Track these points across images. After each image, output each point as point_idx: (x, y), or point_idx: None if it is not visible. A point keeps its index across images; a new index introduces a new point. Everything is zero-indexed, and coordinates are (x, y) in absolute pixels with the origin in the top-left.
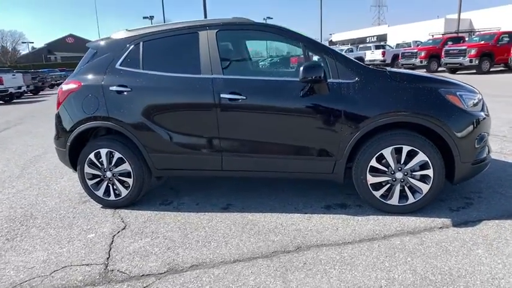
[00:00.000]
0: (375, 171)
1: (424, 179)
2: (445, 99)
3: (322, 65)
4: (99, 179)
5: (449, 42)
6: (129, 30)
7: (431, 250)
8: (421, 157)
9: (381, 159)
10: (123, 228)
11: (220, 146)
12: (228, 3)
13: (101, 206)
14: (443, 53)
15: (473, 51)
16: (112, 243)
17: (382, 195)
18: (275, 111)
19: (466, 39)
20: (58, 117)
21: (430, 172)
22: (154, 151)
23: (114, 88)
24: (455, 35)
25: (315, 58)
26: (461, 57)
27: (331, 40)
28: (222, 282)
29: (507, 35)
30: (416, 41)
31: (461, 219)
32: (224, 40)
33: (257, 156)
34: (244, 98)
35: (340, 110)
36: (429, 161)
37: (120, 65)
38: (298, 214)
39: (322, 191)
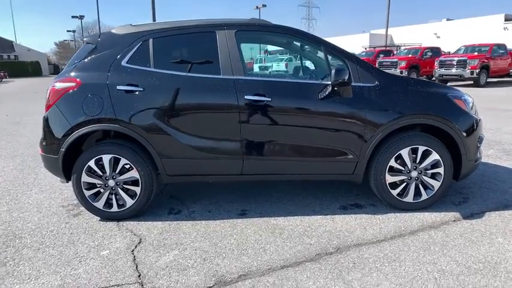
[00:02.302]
0: (393, 170)
1: (435, 176)
2: (454, 103)
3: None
4: (98, 188)
5: (381, 55)
6: (134, 26)
7: (459, 241)
8: (434, 156)
9: (398, 159)
10: (139, 242)
11: (241, 149)
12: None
13: (99, 219)
14: (377, 65)
15: (403, 64)
16: (135, 259)
17: (398, 194)
18: (300, 113)
19: (395, 52)
20: (48, 120)
21: (441, 170)
22: (168, 156)
23: (122, 87)
24: (384, 48)
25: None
26: (393, 69)
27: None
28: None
29: (430, 50)
30: None
31: (467, 212)
32: (242, 41)
33: (280, 159)
34: (269, 99)
35: (364, 112)
36: (441, 160)
37: (128, 62)
38: (320, 216)
39: (331, 193)
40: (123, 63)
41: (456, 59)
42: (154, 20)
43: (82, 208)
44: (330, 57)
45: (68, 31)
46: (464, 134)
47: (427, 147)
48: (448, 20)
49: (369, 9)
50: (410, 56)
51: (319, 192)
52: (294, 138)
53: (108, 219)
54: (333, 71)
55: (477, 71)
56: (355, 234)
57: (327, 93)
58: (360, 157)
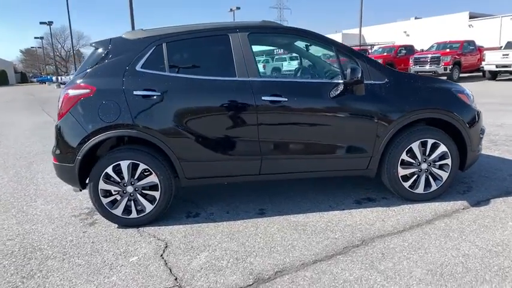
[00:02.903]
0: (404, 164)
1: (443, 167)
2: (458, 97)
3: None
4: (116, 195)
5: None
6: (145, 30)
7: (474, 227)
8: (442, 148)
9: (408, 152)
10: (166, 247)
11: (259, 149)
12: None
13: (117, 226)
14: None
15: (379, 62)
16: (167, 263)
17: (409, 186)
18: (315, 112)
19: (369, 51)
20: (62, 129)
21: (448, 161)
22: (187, 159)
23: (139, 92)
24: (358, 47)
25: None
26: None
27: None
28: (322, 282)
29: (404, 48)
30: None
31: (474, 200)
32: (255, 43)
33: (297, 158)
34: (286, 99)
35: (376, 108)
36: (448, 152)
37: (142, 67)
38: (337, 211)
39: (342, 189)
40: (138, 68)
41: (430, 56)
42: (133, 25)
43: (96, 217)
44: (341, 57)
45: (35, 38)
46: (469, 126)
47: (435, 140)
48: (416, 18)
49: (339, 9)
50: (385, 54)
51: (329, 188)
52: (311, 137)
53: (127, 226)
54: (349, 70)
55: (450, 67)
56: (375, 226)
57: (341, 91)
58: (374, 152)
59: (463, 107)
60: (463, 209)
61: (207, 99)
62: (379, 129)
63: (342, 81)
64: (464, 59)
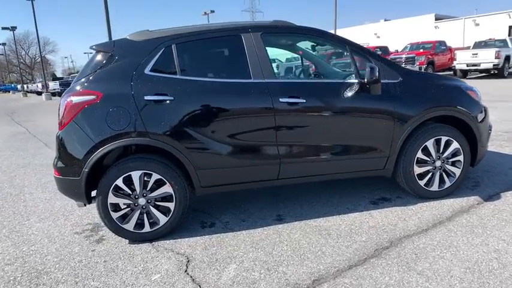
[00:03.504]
0: (419, 162)
1: (455, 164)
2: (467, 94)
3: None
4: (127, 209)
5: (334, 57)
6: (152, 32)
7: (495, 222)
8: (455, 145)
9: (423, 150)
10: (188, 261)
11: (278, 153)
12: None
13: (128, 242)
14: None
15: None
16: (194, 279)
17: (425, 184)
18: (334, 113)
19: (345, 53)
20: (65, 139)
21: (461, 158)
22: (203, 167)
23: (150, 97)
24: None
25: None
26: (347, 69)
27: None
28: (365, 286)
29: (379, 49)
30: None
31: (485, 195)
32: (268, 43)
33: (316, 161)
34: (304, 101)
35: (393, 107)
36: (460, 148)
37: (151, 70)
38: (356, 213)
39: (355, 189)
40: (147, 71)
41: (404, 56)
42: (109, 30)
43: (101, 232)
44: (355, 56)
45: None
46: (479, 122)
47: (448, 137)
48: (385, 20)
49: (311, 11)
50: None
51: (341, 190)
52: (329, 138)
53: (139, 241)
54: (368, 69)
55: (424, 66)
56: (399, 226)
57: (358, 91)
58: (391, 152)
59: (473, 103)
60: (478, 204)
61: (223, 102)
62: (395, 128)
63: (358, 80)
64: (437, 59)
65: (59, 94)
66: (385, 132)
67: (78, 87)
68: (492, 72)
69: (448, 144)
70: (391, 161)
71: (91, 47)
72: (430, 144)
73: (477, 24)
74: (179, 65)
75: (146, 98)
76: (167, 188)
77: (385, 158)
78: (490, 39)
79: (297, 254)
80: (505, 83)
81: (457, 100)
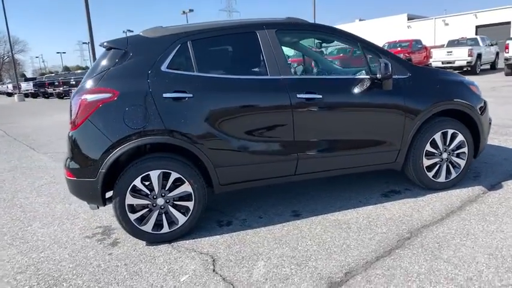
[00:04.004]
0: (428, 154)
1: (460, 156)
2: (470, 88)
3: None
4: (145, 210)
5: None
6: (166, 28)
7: (504, 209)
8: (460, 138)
9: (431, 143)
10: (214, 260)
11: (295, 149)
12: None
13: (146, 243)
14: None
15: (336, 62)
16: (225, 278)
17: (433, 175)
18: (349, 108)
19: (325, 52)
20: (80, 139)
21: (465, 149)
22: (222, 165)
23: (169, 95)
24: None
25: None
26: None
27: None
28: (398, 277)
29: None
30: None
31: (488, 185)
32: (282, 40)
33: (332, 155)
34: (320, 97)
35: (403, 102)
36: (465, 140)
37: (168, 67)
38: (370, 206)
39: (363, 183)
40: (163, 68)
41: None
42: (90, 31)
43: (114, 235)
44: (366, 53)
45: None
46: (481, 115)
47: (454, 130)
48: (360, 20)
49: (287, 11)
50: (341, 55)
51: (350, 184)
52: (345, 133)
53: (157, 242)
54: (382, 65)
55: None
56: (414, 217)
57: (371, 87)
58: (402, 145)
59: (476, 97)
60: (483, 193)
61: (242, 99)
62: (406, 122)
63: (370, 76)
64: (414, 57)
65: (33, 95)
66: (397, 126)
67: (91, 85)
68: (465, 69)
69: (453, 136)
70: (401, 154)
71: (101, 44)
72: (437, 137)
73: (447, 24)
74: (196, 62)
75: (165, 95)
76: (186, 187)
77: (397, 151)
78: (462, 38)
79: (322, 248)
80: (477, 79)
81: (462, 94)
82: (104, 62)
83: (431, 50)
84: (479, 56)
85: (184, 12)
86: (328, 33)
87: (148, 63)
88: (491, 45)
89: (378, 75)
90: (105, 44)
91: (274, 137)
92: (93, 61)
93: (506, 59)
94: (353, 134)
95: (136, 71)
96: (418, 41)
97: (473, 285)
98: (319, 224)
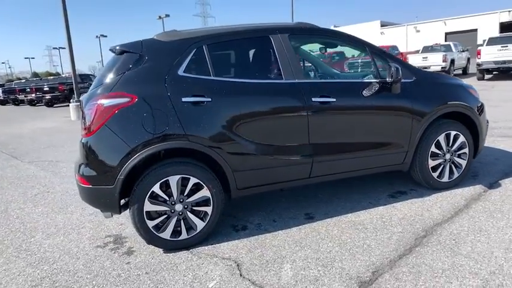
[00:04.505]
0: (433, 155)
1: (461, 156)
2: (469, 91)
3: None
4: (164, 217)
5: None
6: (181, 32)
7: (508, 206)
8: (462, 139)
9: (435, 144)
10: (238, 265)
11: (310, 152)
12: None
13: (163, 251)
14: None
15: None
16: (254, 282)
17: (437, 176)
18: (361, 111)
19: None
20: (96, 145)
21: (466, 150)
22: (240, 169)
23: (188, 99)
24: None
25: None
26: None
27: None
28: (424, 274)
29: (336, 54)
30: None
31: (487, 184)
32: (295, 44)
33: (346, 158)
34: (334, 100)
35: (410, 105)
36: (466, 141)
37: (184, 71)
38: (381, 207)
39: (369, 185)
40: (180, 72)
41: (360, 60)
42: (69, 35)
43: (127, 244)
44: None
45: None
46: (480, 117)
47: (456, 132)
48: (335, 26)
49: (263, 17)
50: (321, 59)
51: (357, 187)
52: (357, 136)
53: (175, 249)
54: (394, 69)
55: (381, 69)
56: (425, 216)
57: (380, 90)
58: (409, 146)
59: (475, 100)
60: (484, 192)
61: (259, 103)
62: (413, 124)
63: (383, 80)
64: None
65: (1, 102)
66: (405, 128)
67: (106, 90)
68: None
69: (456, 138)
70: (409, 156)
71: (112, 49)
72: (441, 138)
73: (418, 31)
74: (212, 66)
75: (184, 99)
76: (205, 192)
77: (404, 152)
78: (436, 44)
79: (344, 249)
80: None
81: (463, 97)
82: (117, 67)
83: (408, 55)
84: (452, 61)
85: (160, 17)
86: (337, 38)
87: (164, 67)
88: (463, 51)
89: (388, 79)
90: (117, 48)
91: (290, 140)
92: (72, 66)
93: (478, 64)
94: (365, 136)
95: (153, 75)
96: (395, 47)
97: (497, 278)
98: (335, 226)
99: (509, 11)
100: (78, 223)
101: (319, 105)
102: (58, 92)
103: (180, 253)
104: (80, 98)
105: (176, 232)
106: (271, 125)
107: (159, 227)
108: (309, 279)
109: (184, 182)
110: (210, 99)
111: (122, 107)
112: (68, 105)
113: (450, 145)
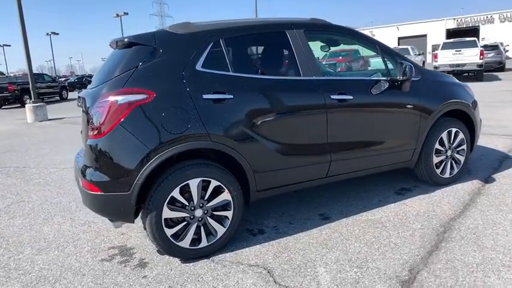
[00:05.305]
0: (436, 152)
1: (460, 152)
2: (466, 90)
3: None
4: (183, 224)
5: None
6: (194, 24)
7: (510, 199)
8: (461, 136)
9: (439, 141)
10: (269, 271)
11: (329, 150)
12: None
13: (181, 261)
14: None
15: None
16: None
17: (440, 172)
18: (374, 109)
19: None
20: (109, 147)
21: (465, 146)
22: (261, 170)
23: (210, 96)
24: None
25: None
26: None
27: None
28: (459, 269)
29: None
30: None
31: (483, 178)
32: (309, 40)
33: (361, 156)
34: (351, 97)
35: (418, 103)
36: (464, 138)
37: (203, 66)
38: (392, 204)
39: (373, 183)
40: (198, 67)
41: (324, 63)
42: (24, 31)
43: (137, 256)
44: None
45: None
46: (475, 113)
47: (457, 129)
48: None
49: (222, 16)
50: None
51: (361, 185)
52: (372, 133)
53: (194, 259)
54: (407, 68)
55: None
56: (437, 212)
57: (392, 88)
58: (417, 144)
59: (471, 98)
60: (482, 186)
61: (280, 101)
62: (421, 122)
63: (394, 78)
64: (354, 65)
65: None
66: (414, 125)
67: (118, 86)
68: None
69: (456, 135)
70: (416, 153)
71: (119, 40)
72: (444, 135)
73: (373, 35)
74: (230, 61)
75: (205, 96)
76: (226, 196)
77: (412, 150)
78: (395, 47)
79: (373, 248)
80: None
81: (462, 95)
82: (127, 60)
83: (369, 59)
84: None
85: (118, 15)
86: (349, 35)
87: (181, 61)
88: (419, 54)
89: (399, 77)
90: (126, 40)
91: (310, 139)
92: (28, 64)
93: (436, 67)
94: (378, 134)
95: (170, 70)
96: (356, 51)
97: None
98: (354, 226)
99: (454, 19)
100: (71, 235)
101: (337, 102)
102: (7, 92)
103: (200, 262)
104: (79, 95)
105: (195, 240)
106: (292, 123)
107: (178, 235)
108: (349, 282)
109: (204, 186)
110: (231, 97)
111: (138, 104)
112: (20, 107)
113: (451, 142)
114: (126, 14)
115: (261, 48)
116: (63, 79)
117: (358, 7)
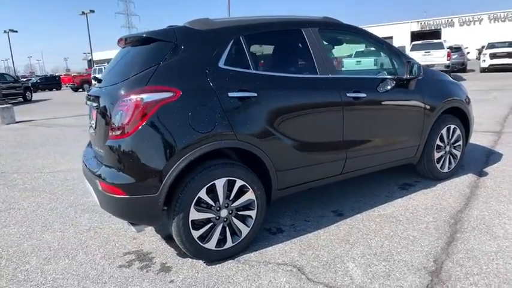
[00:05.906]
0: (437, 148)
1: (456, 148)
2: (461, 87)
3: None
4: (209, 225)
5: None
6: (214, 20)
7: (507, 191)
8: (458, 132)
9: (440, 138)
10: (299, 269)
11: (345, 147)
12: None
13: (205, 263)
14: None
15: None
16: (327, 285)
17: (440, 167)
18: (385, 106)
19: None
20: (135, 148)
21: (461, 142)
22: (283, 168)
23: (235, 94)
24: None
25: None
26: None
27: (90, 59)
28: (481, 258)
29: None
30: None
31: (477, 172)
32: (323, 39)
33: (373, 153)
34: (365, 95)
35: (422, 100)
36: (461, 134)
37: (225, 64)
38: (399, 199)
39: (375, 180)
40: (221, 65)
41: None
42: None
43: (157, 260)
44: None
45: None
46: (470, 109)
47: (455, 126)
48: None
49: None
50: None
51: (365, 182)
52: (383, 130)
53: (219, 260)
54: (415, 67)
55: None
56: (444, 204)
57: (399, 86)
58: (421, 140)
59: (465, 95)
60: (477, 179)
61: (301, 99)
62: (425, 119)
63: (401, 76)
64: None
65: None
66: (419, 122)
67: (139, 84)
68: None
69: (454, 131)
70: (419, 149)
71: (131, 37)
72: (444, 132)
73: None
74: (251, 58)
75: (230, 94)
76: (250, 195)
77: (416, 146)
78: (366, 49)
79: (394, 242)
80: None
81: (458, 92)
82: (147, 57)
83: (343, 59)
84: (381, 65)
85: (83, 12)
86: (359, 34)
87: (204, 58)
88: None
89: (406, 76)
90: (145, 35)
91: (327, 136)
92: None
93: None
94: (388, 131)
95: (194, 67)
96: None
97: None
98: (369, 221)
99: (417, 21)
100: (78, 242)
101: (353, 100)
102: None
103: (226, 263)
104: (90, 93)
105: (220, 241)
106: (311, 121)
107: (204, 237)
108: (381, 275)
109: (229, 185)
110: (255, 94)
111: (164, 102)
112: None
113: (450, 138)
114: (92, 11)
115: (279, 46)
116: (25, 79)
117: (328, 7)
